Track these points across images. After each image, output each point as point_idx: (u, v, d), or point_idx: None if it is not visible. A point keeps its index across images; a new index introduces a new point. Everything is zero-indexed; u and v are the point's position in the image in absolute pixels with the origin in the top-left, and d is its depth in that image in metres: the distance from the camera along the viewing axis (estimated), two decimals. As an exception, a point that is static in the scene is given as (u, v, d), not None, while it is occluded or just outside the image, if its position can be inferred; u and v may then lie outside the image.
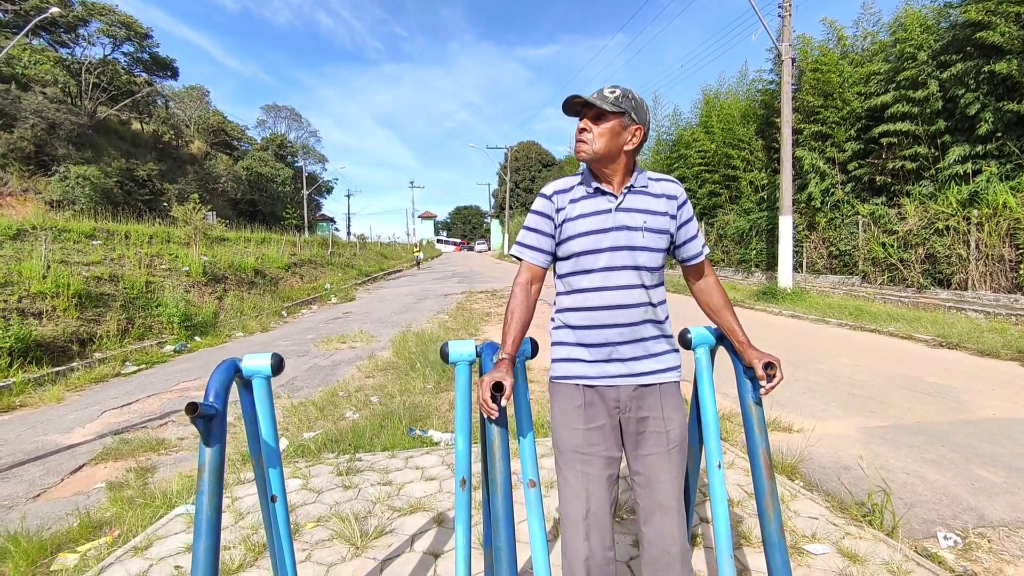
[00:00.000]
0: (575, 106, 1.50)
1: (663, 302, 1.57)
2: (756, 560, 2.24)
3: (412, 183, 70.75)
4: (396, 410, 4.26)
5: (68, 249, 9.93)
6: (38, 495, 3.34)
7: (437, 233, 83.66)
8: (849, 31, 13.07)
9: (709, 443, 1.68)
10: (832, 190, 12.93)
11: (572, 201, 1.53)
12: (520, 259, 1.57)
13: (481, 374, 1.55)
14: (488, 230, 72.04)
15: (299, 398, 5.06)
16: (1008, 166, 9.68)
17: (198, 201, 14.34)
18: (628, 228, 1.48)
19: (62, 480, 3.55)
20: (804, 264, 13.56)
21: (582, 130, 1.48)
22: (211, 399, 1.37)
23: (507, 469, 1.50)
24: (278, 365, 1.56)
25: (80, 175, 20.93)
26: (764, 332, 8.08)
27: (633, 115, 1.45)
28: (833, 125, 12.74)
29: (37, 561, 2.44)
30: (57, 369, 6.34)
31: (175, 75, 34.35)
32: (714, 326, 1.70)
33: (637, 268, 1.49)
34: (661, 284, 1.57)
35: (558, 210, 1.54)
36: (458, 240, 79.96)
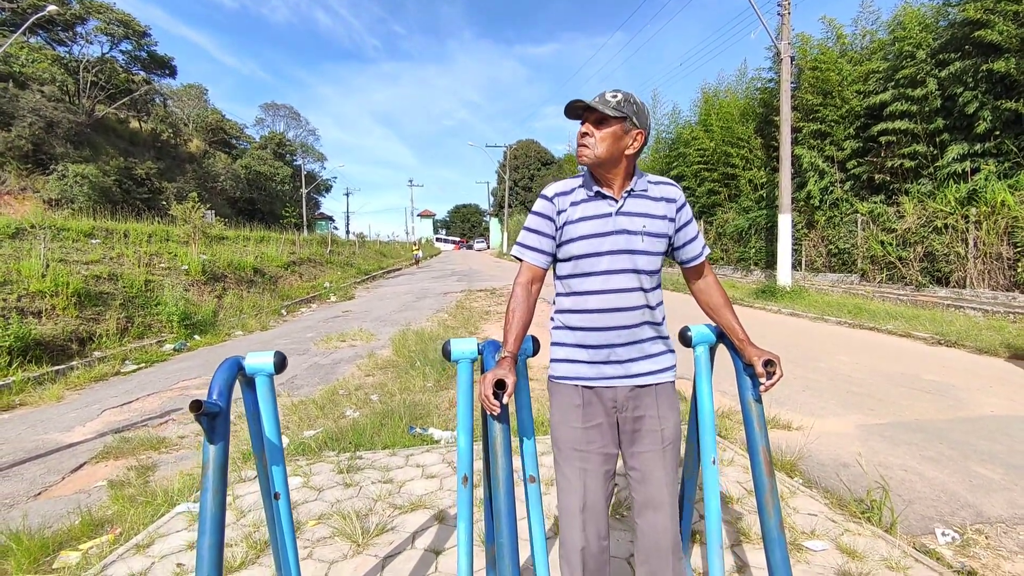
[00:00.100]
0: (577, 110, 1.51)
1: (660, 303, 1.59)
2: (756, 556, 2.25)
3: (411, 181, 70.53)
4: (396, 408, 4.27)
5: (67, 248, 9.92)
6: (39, 493, 3.35)
7: (436, 232, 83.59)
8: (848, 29, 13.06)
9: (705, 440, 1.70)
10: (831, 188, 12.93)
11: (573, 204, 1.54)
12: (520, 260, 1.59)
13: (483, 372, 1.56)
14: (487, 228, 71.95)
15: (299, 396, 5.07)
16: (1006, 164, 9.69)
17: (197, 200, 14.31)
18: (628, 232, 1.51)
19: (63, 478, 3.56)
20: (803, 262, 13.57)
21: (584, 135, 1.49)
22: (215, 397, 1.37)
23: (509, 466, 1.51)
24: (281, 363, 1.56)
25: (78, 174, 20.90)
26: (763, 330, 8.10)
27: (635, 120, 1.47)
28: (832, 123, 12.74)
29: (39, 559, 2.45)
30: (57, 368, 6.34)
31: (173, 73, 34.32)
32: (714, 324, 1.72)
33: (636, 272, 1.51)
34: (659, 286, 1.60)
35: (559, 212, 1.55)
36: (457, 239, 79.88)
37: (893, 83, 11.27)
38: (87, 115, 24.88)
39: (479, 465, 1.90)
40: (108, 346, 7.40)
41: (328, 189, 57.28)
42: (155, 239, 12.79)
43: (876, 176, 12.02)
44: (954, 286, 10.09)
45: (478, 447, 2.23)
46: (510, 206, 49.97)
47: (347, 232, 52.70)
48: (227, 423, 1.38)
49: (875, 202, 11.87)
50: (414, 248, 37.23)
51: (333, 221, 59.51)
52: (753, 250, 15.52)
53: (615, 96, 1.46)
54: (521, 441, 1.70)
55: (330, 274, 19.04)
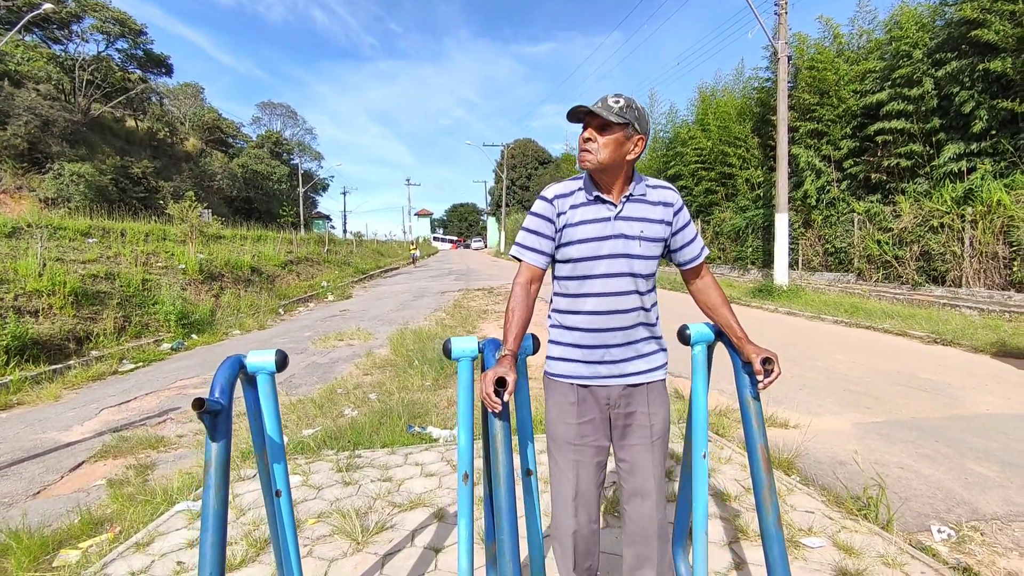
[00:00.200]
0: (579, 114, 1.52)
1: (655, 304, 1.64)
2: (753, 553, 2.27)
3: (408, 180, 70.12)
4: (395, 407, 4.28)
5: (64, 247, 9.88)
6: (38, 492, 3.35)
7: (434, 231, 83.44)
8: (845, 29, 13.11)
9: (696, 435, 1.74)
10: (828, 187, 12.98)
11: (573, 207, 1.56)
12: (520, 260, 1.60)
13: (483, 370, 1.57)
14: (484, 228, 71.90)
15: (297, 395, 5.07)
16: (1002, 164, 9.74)
17: (194, 199, 14.27)
18: (625, 237, 1.53)
19: (62, 477, 3.56)
20: (800, 261, 13.62)
21: (587, 140, 1.50)
22: (217, 395, 1.38)
23: (509, 463, 1.52)
24: (282, 361, 1.57)
25: (74, 172, 20.79)
26: (760, 329, 8.12)
27: (636, 125, 1.48)
28: (829, 123, 12.79)
29: (39, 557, 2.45)
30: (54, 367, 6.32)
31: (169, 72, 34.09)
32: (712, 323, 1.74)
33: (633, 275, 1.54)
34: (654, 288, 1.64)
35: (559, 214, 1.57)
36: (455, 238, 79.84)
37: (890, 83, 11.31)
38: (83, 114, 24.76)
39: (479, 463, 1.91)
40: (105, 345, 7.39)
41: (325, 188, 57.05)
42: (152, 238, 12.76)
43: (873, 175, 12.07)
44: (950, 285, 10.14)
45: (478, 445, 2.24)
46: (507, 205, 49.97)
47: (344, 231, 52.63)
48: (229, 421, 1.38)
49: (872, 201, 11.92)
50: (411, 247, 37.14)
51: (330, 220, 59.34)
52: (750, 249, 15.57)
53: (617, 101, 1.47)
54: (520, 438, 1.71)
55: (327, 273, 19.00)
